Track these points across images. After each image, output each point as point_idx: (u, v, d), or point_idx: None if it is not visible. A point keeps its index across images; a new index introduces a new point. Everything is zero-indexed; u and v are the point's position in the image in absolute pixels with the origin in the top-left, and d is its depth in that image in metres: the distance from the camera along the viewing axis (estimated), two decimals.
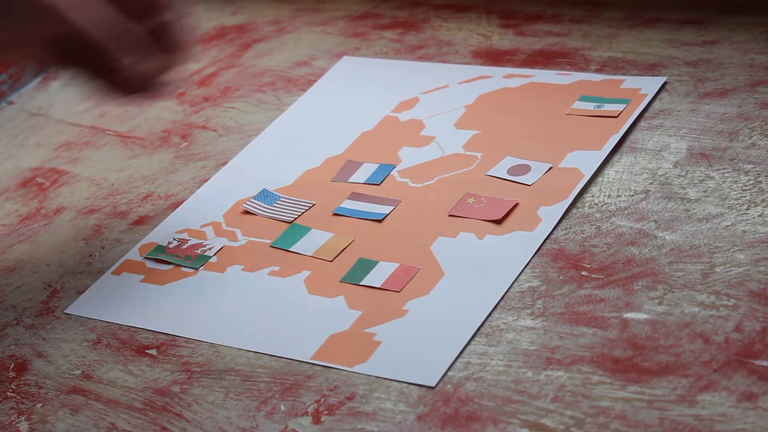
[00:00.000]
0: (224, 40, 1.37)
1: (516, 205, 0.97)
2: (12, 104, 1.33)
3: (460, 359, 0.85)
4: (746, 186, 0.95)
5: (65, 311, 0.98)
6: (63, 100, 1.31)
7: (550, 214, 0.96)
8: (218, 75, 1.29)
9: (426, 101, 1.15)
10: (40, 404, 0.89)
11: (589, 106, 1.09)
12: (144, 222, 1.07)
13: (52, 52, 0.89)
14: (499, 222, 0.96)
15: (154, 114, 1.25)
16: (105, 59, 0.90)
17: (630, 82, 1.11)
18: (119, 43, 0.89)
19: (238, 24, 1.40)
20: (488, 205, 0.98)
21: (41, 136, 1.25)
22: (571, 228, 0.95)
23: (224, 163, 1.13)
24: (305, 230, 1.01)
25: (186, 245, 1.02)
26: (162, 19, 0.92)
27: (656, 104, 1.08)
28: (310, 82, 1.24)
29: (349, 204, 1.03)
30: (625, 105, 1.08)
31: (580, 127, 1.06)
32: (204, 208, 1.07)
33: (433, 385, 0.83)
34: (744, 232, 0.90)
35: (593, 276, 0.89)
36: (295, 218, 1.02)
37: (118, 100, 0.94)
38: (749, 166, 0.97)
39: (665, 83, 1.10)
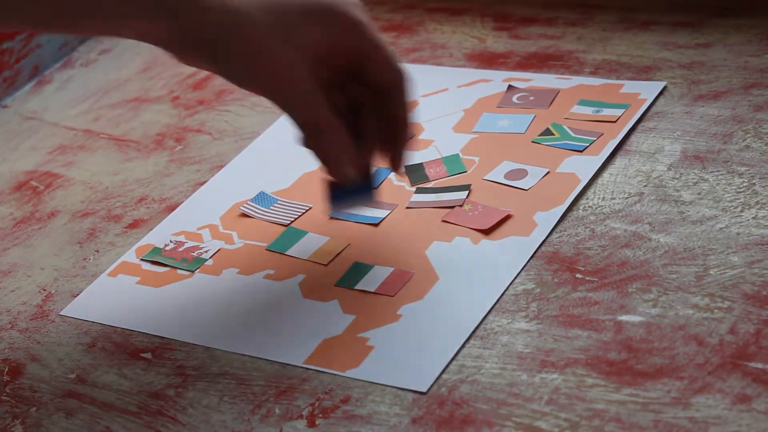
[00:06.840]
0: None
1: (508, 216, 0.97)
2: (6, 108, 1.33)
3: (454, 362, 0.85)
4: (740, 188, 0.95)
5: (60, 313, 0.98)
6: (57, 104, 1.31)
7: (545, 220, 0.96)
8: (213, 78, 1.29)
9: (425, 104, 1.15)
10: (35, 408, 0.89)
11: (588, 111, 1.08)
12: (138, 225, 1.07)
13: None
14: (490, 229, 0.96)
15: (148, 117, 1.25)
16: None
17: (629, 86, 1.11)
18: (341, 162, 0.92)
19: None
20: (482, 214, 0.98)
21: (35, 140, 1.25)
22: (565, 230, 0.95)
23: (219, 167, 1.13)
24: (301, 234, 1.01)
25: (182, 248, 1.02)
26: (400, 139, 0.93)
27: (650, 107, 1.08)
28: None
29: None
30: (623, 110, 1.07)
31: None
32: (201, 210, 1.07)
33: (424, 390, 0.83)
34: (738, 234, 0.90)
35: (587, 278, 0.89)
36: (292, 221, 1.02)
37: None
38: (743, 169, 0.97)
39: (665, 88, 1.10)
